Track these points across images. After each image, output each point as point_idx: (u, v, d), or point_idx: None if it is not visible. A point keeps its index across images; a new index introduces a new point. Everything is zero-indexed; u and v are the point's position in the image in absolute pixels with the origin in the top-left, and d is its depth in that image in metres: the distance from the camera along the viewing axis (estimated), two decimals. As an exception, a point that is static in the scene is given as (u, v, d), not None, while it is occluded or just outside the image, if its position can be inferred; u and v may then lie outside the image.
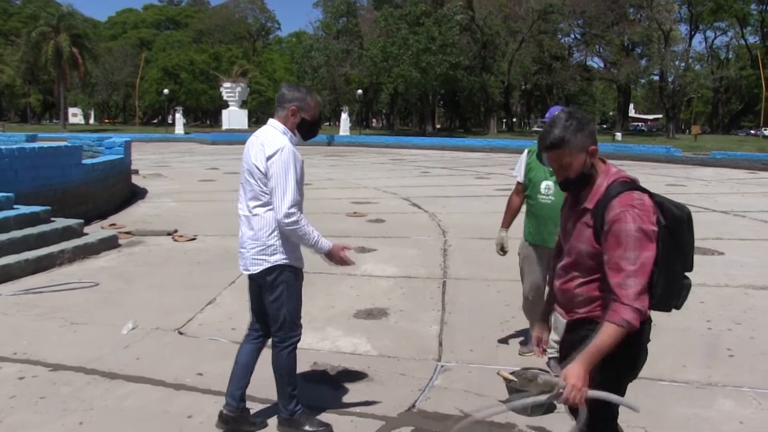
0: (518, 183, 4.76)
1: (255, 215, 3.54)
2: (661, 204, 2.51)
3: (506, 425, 3.87)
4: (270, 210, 3.49)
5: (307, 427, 3.72)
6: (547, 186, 4.53)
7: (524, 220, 4.75)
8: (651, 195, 2.52)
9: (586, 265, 2.59)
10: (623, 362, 2.57)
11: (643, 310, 2.38)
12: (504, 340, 5.28)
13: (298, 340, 3.72)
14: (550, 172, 4.49)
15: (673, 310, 2.62)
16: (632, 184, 2.52)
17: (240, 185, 3.67)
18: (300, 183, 3.50)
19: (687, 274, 2.58)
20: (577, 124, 2.54)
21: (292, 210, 3.41)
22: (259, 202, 3.52)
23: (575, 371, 2.40)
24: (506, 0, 59.98)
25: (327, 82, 64.87)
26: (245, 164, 3.57)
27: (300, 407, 3.75)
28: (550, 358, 4.67)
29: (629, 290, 2.36)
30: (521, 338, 5.14)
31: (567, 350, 2.69)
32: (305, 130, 3.62)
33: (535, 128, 64.52)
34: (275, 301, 3.58)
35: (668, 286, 2.49)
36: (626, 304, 2.36)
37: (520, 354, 4.81)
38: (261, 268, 3.55)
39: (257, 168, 3.46)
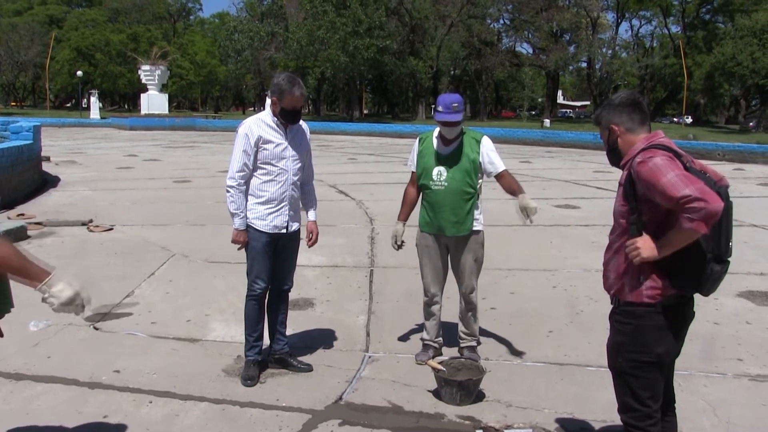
0: (412, 173, 4.70)
1: None
2: (689, 172, 2.55)
3: (435, 415, 3.91)
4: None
5: (294, 362, 4.55)
6: (439, 172, 4.45)
7: (419, 209, 4.66)
8: (682, 161, 2.58)
9: (618, 227, 2.77)
10: (635, 345, 2.72)
11: (707, 199, 2.39)
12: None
13: None
14: (443, 158, 4.47)
15: None
16: (661, 145, 2.63)
17: None
18: (249, 155, 4.21)
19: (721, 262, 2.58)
20: (608, 101, 2.83)
21: (229, 178, 4.25)
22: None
23: (647, 241, 2.58)
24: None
25: (251, 65, 63.76)
26: None
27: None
28: (463, 348, 4.73)
29: (687, 197, 2.40)
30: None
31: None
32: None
33: None
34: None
35: (683, 262, 2.55)
36: (687, 216, 2.42)
37: (417, 363, 4.63)
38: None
39: None
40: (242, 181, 4.23)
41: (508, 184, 4.49)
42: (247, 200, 4.29)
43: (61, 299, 2.48)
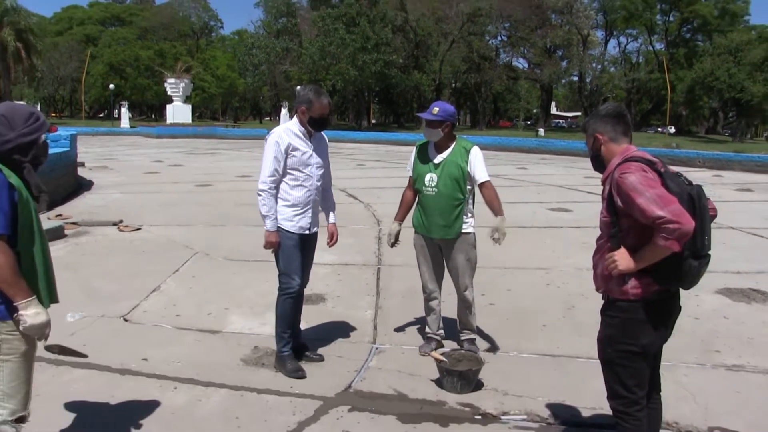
0: (409, 177, 4.68)
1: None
2: (663, 178, 2.55)
3: (437, 402, 3.91)
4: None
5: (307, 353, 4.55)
6: (431, 178, 4.41)
7: (414, 211, 4.64)
8: (656, 168, 2.59)
9: (603, 233, 2.78)
10: (622, 337, 2.72)
11: (681, 221, 2.40)
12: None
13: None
14: (435, 165, 4.44)
15: None
16: (635, 158, 2.63)
17: None
18: (279, 161, 4.20)
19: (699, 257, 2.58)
20: (595, 112, 2.86)
21: (261, 182, 4.20)
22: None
23: (624, 255, 2.60)
24: (438, 3, 60.12)
25: (267, 78, 63.69)
26: None
27: None
28: (464, 340, 4.71)
29: (662, 218, 2.41)
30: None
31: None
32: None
33: None
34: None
35: (663, 260, 2.53)
36: (662, 235, 2.43)
37: (421, 354, 4.62)
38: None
39: None
40: (273, 186, 4.21)
41: (490, 198, 4.42)
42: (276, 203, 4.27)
43: (35, 321, 2.54)
